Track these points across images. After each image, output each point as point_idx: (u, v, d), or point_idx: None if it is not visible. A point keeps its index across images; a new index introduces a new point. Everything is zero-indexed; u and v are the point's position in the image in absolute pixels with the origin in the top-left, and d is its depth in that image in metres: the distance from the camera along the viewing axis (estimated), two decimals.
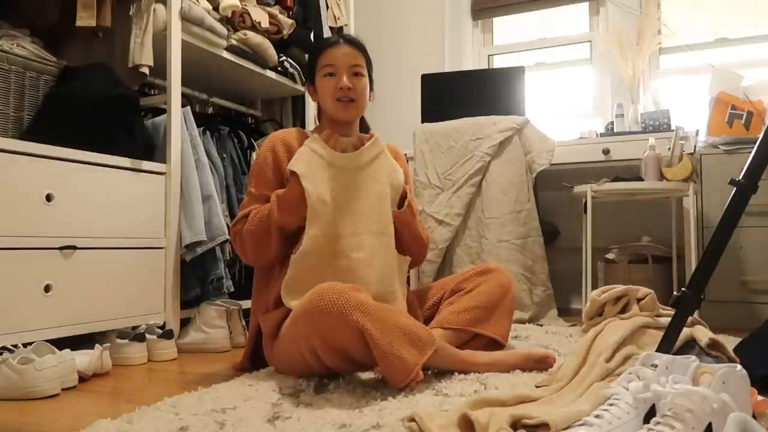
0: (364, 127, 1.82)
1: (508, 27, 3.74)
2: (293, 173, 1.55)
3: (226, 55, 2.40)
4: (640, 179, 2.58)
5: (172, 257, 2.07)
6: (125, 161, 1.95)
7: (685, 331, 1.33)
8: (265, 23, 2.53)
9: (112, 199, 1.90)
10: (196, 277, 2.19)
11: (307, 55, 2.60)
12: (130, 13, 2.08)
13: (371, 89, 1.73)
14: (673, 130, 2.65)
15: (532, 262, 2.69)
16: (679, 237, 2.76)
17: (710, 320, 1.62)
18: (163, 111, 2.17)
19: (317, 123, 1.85)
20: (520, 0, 3.56)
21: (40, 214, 1.70)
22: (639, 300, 1.47)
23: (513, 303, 1.75)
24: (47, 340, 1.54)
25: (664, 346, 1.20)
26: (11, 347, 1.51)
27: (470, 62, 3.69)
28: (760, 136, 1.18)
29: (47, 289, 1.70)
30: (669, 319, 1.23)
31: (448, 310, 1.67)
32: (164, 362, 1.83)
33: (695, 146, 2.69)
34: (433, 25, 3.67)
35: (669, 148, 2.58)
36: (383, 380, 1.37)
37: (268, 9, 2.59)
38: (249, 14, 2.45)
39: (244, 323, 2.12)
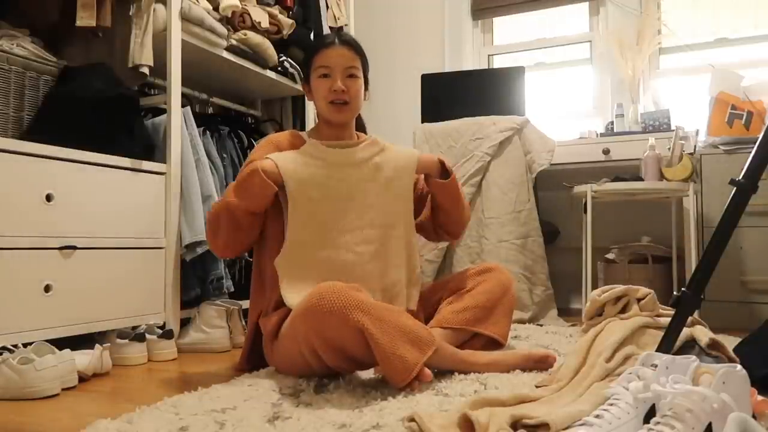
0: (361, 127, 1.82)
1: (508, 27, 3.74)
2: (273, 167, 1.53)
3: (226, 55, 2.40)
4: (640, 179, 2.58)
5: (172, 257, 2.07)
6: (125, 161, 1.95)
7: (685, 331, 1.33)
8: (265, 23, 2.53)
9: (112, 198, 1.90)
10: (196, 277, 2.20)
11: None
12: (130, 13, 2.08)
13: (366, 89, 1.73)
14: (673, 130, 2.65)
15: (532, 262, 2.69)
16: (679, 237, 2.76)
17: (710, 320, 1.62)
18: (163, 111, 2.17)
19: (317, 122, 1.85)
20: (520, 0, 3.56)
21: (40, 214, 1.70)
22: (639, 300, 1.47)
23: (513, 302, 1.75)
24: (47, 340, 1.54)
25: (664, 346, 1.20)
26: (11, 347, 1.51)
27: (470, 62, 3.69)
28: (760, 136, 1.18)
29: (47, 289, 1.70)
30: (669, 319, 1.23)
31: (448, 309, 1.66)
32: (164, 362, 1.83)
33: (695, 146, 2.70)
34: (433, 25, 3.67)
35: (669, 148, 2.58)
36: (383, 380, 1.37)
37: (268, 9, 2.59)
38: (249, 14, 2.45)
39: (244, 323, 2.12)
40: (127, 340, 1.78)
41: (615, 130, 3.06)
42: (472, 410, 0.97)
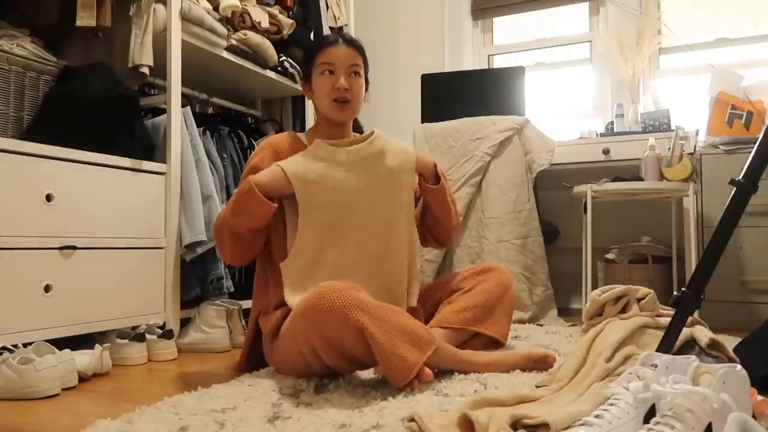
0: (358, 128, 1.82)
1: (508, 27, 3.74)
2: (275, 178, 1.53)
3: (226, 55, 2.40)
4: (640, 179, 2.58)
5: (172, 257, 2.07)
6: (125, 161, 1.95)
7: (685, 331, 1.33)
8: (265, 23, 2.53)
9: (112, 199, 1.90)
10: (196, 277, 2.20)
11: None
12: (130, 13, 2.08)
13: (366, 90, 1.73)
14: (673, 130, 2.65)
15: (532, 262, 2.69)
16: (679, 237, 2.76)
17: (710, 320, 1.62)
18: (163, 111, 2.17)
19: None
20: (520, 0, 3.56)
21: (40, 214, 1.70)
22: (639, 300, 1.47)
23: (512, 302, 1.75)
24: (47, 340, 1.54)
25: (664, 346, 1.20)
26: (11, 347, 1.51)
27: (470, 62, 3.69)
28: (760, 136, 1.18)
29: (47, 289, 1.70)
30: (669, 319, 1.23)
31: (448, 309, 1.66)
32: (164, 362, 1.83)
33: (695, 146, 2.70)
34: (433, 25, 3.67)
35: (669, 148, 2.59)
36: (383, 380, 1.37)
37: (268, 9, 2.59)
38: (249, 14, 2.45)
39: (244, 323, 2.12)
40: (127, 340, 1.78)
41: (615, 130, 3.06)
42: (472, 410, 0.97)
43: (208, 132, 2.43)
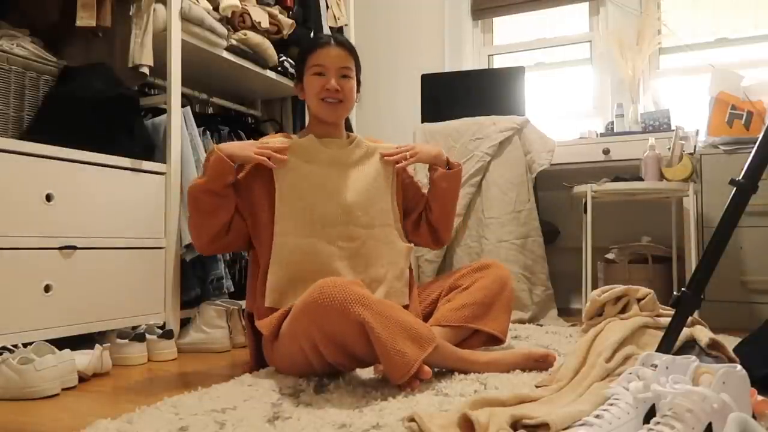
0: (348, 128, 1.84)
1: (508, 27, 3.74)
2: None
3: (226, 55, 2.40)
4: (640, 179, 2.58)
5: (172, 257, 2.07)
6: (125, 161, 1.95)
7: (685, 331, 1.33)
8: (265, 23, 2.53)
9: (112, 199, 1.90)
10: (196, 277, 2.19)
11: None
12: (130, 13, 2.08)
13: (358, 91, 1.75)
14: (673, 130, 2.65)
15: (532, 262, 2.69)
16: (679, 237, 2.76)
17: (710, 320, 1.62)
18: (163, 111, 2.17)
19: None
20: (520, 0, 3.56)
21: (40, 214, 1.70)
22: (639, 300, 1.47)
23: (511, 298, 1.75)
24: (47, 340, 1.54)
25: (664, 346, 1.20)
26: (11, 347, 1.51)
27: (470, 62, 3.69)
28: (760, 136, 1.18)
29: (47, 289, 1.70)
30: (669, 319, 1.23)
31: (446, 307, 1.67)
32: (164, 362, 1.83)
33: (695, 146, 2.70)
34: (433, 24, 3.67)
35: (669, 148, 2.58)
36: (383, 380, 1.37)
37: (268, 9, 2.59)
38: (249, 14, 2.45)
39: (244, 323, 2.11)
40: (127, 340, 1.78)
41: (615, 130, 3.06)
42: (472, 410, 0.97)
43: (208, 132, 2.43)
